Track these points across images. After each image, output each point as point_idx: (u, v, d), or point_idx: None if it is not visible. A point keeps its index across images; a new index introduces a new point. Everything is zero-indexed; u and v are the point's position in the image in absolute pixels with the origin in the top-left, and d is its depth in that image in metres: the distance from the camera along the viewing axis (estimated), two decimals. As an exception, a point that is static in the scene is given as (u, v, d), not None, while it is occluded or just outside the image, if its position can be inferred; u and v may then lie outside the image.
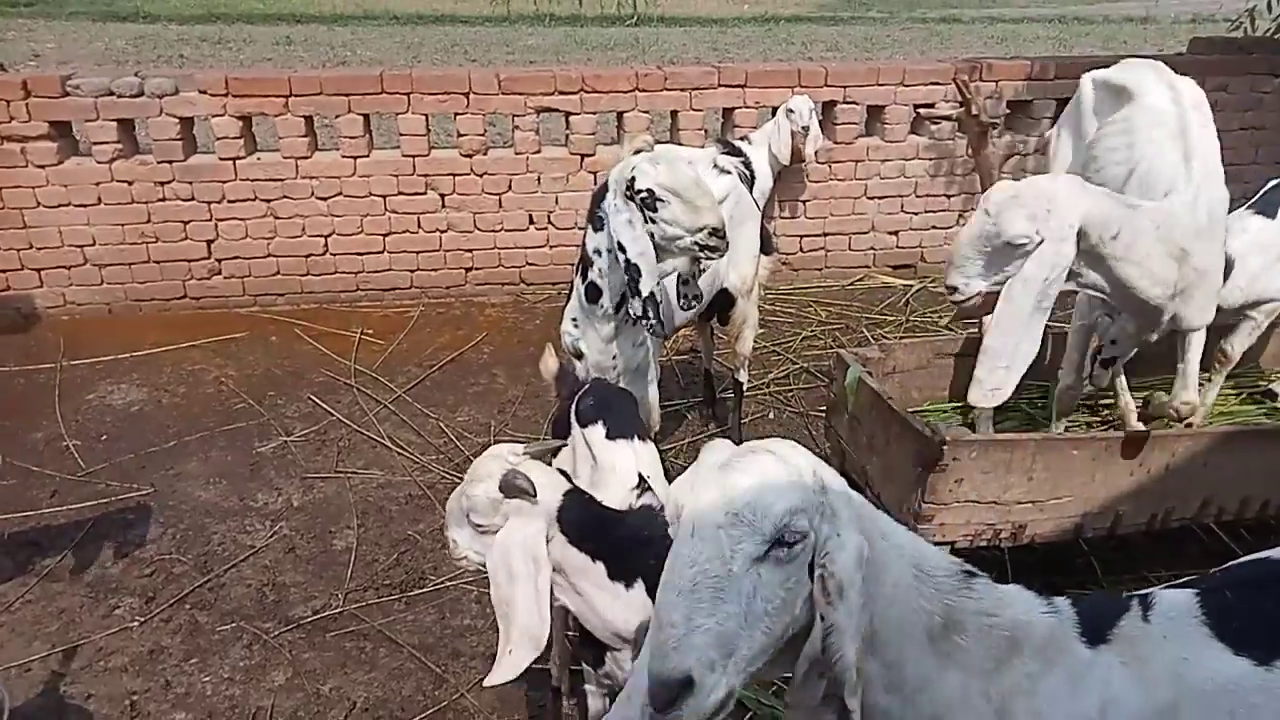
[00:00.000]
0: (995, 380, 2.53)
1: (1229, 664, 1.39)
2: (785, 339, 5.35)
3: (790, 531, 1.28)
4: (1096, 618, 1.44)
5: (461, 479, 4.20)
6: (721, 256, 2.85)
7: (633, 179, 2.72)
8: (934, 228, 6.19)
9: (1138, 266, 2.60)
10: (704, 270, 3.10)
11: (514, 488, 1.88)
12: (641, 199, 2.72)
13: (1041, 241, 2.43)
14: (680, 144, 5.40)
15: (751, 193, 4.27)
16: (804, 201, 6.04)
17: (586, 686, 2.32)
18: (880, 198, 6.10)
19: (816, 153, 5.54)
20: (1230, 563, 1.75)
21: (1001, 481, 2.71)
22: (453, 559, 2.08)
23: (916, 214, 6.15)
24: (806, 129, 5.37)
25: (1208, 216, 2.74)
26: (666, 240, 2.76)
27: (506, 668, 1.83)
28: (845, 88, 5.79)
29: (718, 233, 2.73)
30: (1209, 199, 2.76)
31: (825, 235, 6.16)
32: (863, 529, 1.35)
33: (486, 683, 1.89)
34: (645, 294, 2.79)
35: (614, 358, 3.06)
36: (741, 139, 5.57)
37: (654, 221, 2.74)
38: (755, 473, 1.32)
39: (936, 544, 2.76)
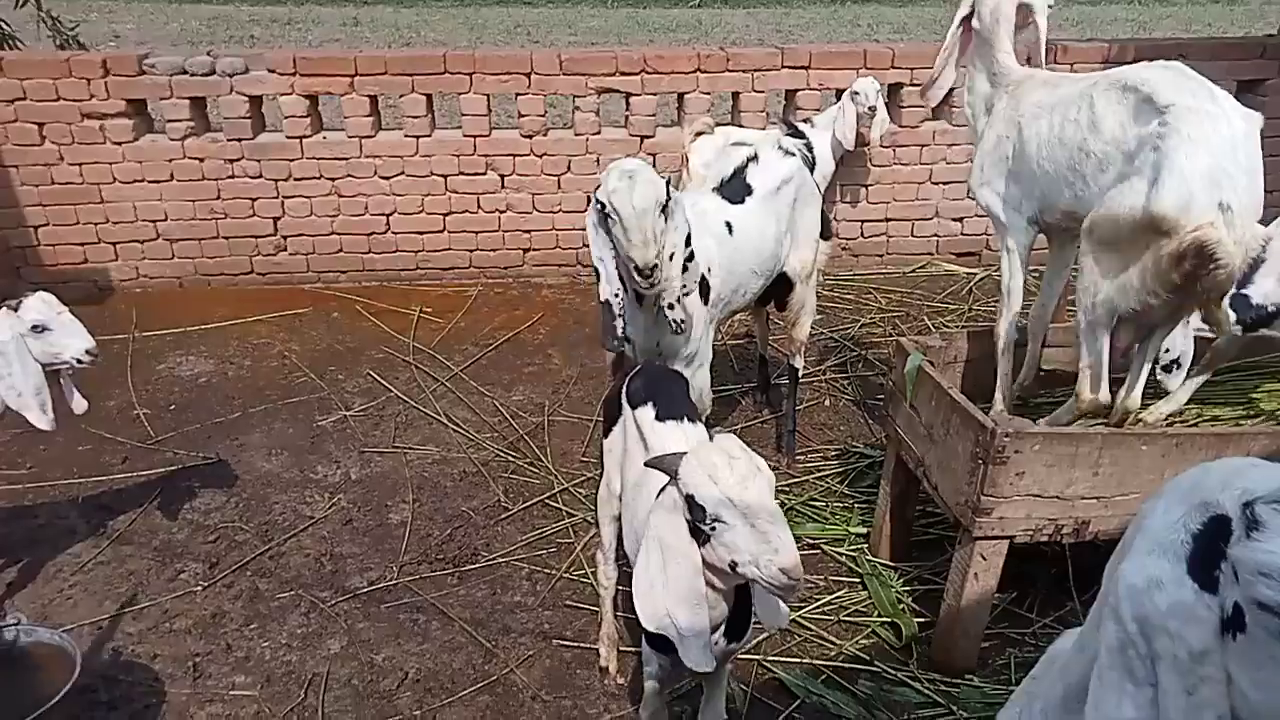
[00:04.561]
0: None
1: None
2: (844, 326, 5.28)
3: None
4: None
5: (515, 458, 4.25)
6: (654, 289, 2.75)
7: (599, 185, 2.75)
8: (1001, 215, 6.02)
9: None
10: (684, 295, 2.91)
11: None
12: (599, 208, 2.74)
13: None
14: (742, 126, 5.34)
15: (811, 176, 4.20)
16: (866, 186, 5.93)
17: (646, 669, 2.31)
18: (945, 183, 5.95)
19: (881, 136, 5.43)
20: None
21: (1065, 476, 2.63)
22: None
23: (983, 200, 5.99)
24: (873, 110, 5.27)
25: None
26: (618, 255, 2.78)
27: None
28: (913, 70, 5.65)
29: (641, 271, 2.68)
30: None
31: (888, 221, 6.04)
32: None
33: None
34: (602, 299, 2.84)
35: (657, 344, 3.06)
36: (804, 121, 5.48)
37: (609, 233, 2.76)
38: None
39: (994, 538, 2.71)
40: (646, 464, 2.03)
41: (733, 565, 1.84)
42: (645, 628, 1.99)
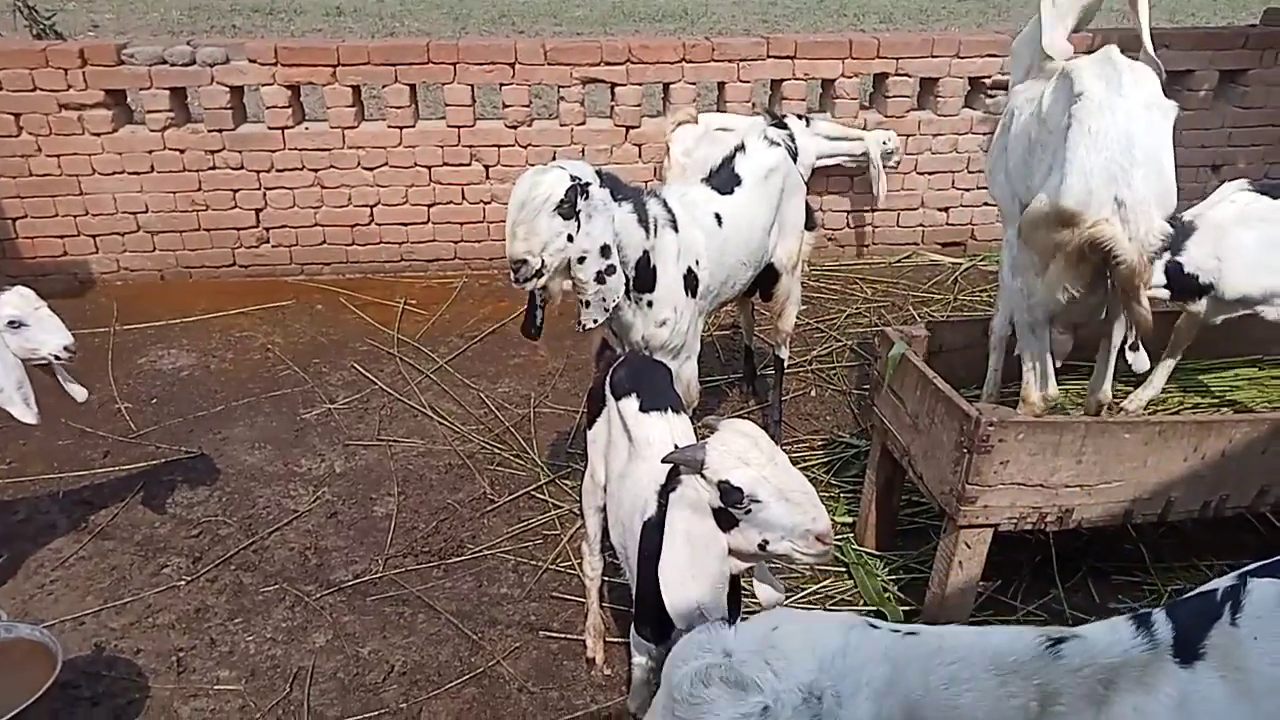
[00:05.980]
0: None
1: None
2: (829, 316, 5.28)
3: None
4: (1189, 630, 1.38)
5: (501, 450, 4.22)
6: (520, 285, 2.75)
7: None
8: (985, 204, 6.03)
9: None
10: (605, 308, 2.86)
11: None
12: None
13: None
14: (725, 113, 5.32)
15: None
16: (853, 177, 5.93)
17: (635, 659, 2.31)
18: (930, 173, 5.96)
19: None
20: None
21: (1049, 464, 2.64)
22: None
23: (968, 190, 6.00)
24: (898, 162, 5.61)
25: None
26: None
27: None
28: (898, 59, 5.64)
29: (513, 263, 2.70)
30: None
31: (873, 211, 6.05)
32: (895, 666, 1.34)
33: None
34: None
35: (642, 336, 3.05)
36: (800, 117, 5.39)
37: None
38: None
39: (978, 526, 2.72)
40: (664, 460, 2.04)
41: (763, 544, 1.89)
42: (679, 627, 1.99)
